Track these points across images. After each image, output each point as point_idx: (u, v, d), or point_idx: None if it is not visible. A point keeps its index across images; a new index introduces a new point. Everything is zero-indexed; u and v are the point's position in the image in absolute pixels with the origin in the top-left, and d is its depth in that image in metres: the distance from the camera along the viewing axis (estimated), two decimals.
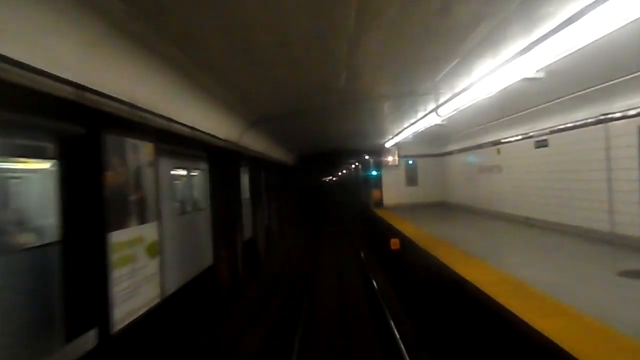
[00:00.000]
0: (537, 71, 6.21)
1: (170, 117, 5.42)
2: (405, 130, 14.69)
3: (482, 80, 6.74)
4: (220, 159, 8.47)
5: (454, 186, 18.36)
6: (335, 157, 22.07)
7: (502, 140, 12.72)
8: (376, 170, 21.11)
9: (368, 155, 21.92)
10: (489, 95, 7.54)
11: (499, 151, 13.10)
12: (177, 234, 6.88)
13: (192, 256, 7.85)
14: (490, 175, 13.95)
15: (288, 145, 17.50)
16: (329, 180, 71.30)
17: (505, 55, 6.18)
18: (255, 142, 10.61)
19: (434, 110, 9.68)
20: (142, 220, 5.32)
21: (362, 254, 15.48)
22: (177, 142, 6.23)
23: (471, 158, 15.93)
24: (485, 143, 14.10)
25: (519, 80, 6.40)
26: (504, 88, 6.95)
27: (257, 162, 13.05)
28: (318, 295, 11.04)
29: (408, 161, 19.98)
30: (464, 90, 7.49)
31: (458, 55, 6.99)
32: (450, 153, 18.35)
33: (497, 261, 7.07)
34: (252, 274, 12.29)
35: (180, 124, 5.72)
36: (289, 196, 20.01)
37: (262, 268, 13.49)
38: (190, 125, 6.12)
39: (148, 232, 5.43)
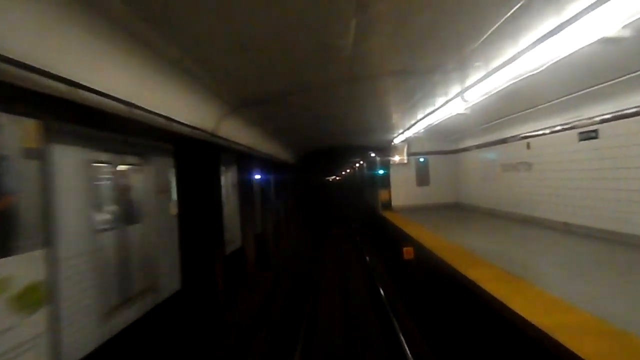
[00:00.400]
0: (623, 27, 4.44)
1: (80, 81, 3.46)
2: (418, 122, 12.90)
3: (537, 46, 4.96)
4: (189, 153, 6.75)
5: (470, 186, 16.54)
6: (338, 154, 20.30)
7: (534, 133, 10.90)
8: (384, 169, 19.29)
9: (374, 152, 20.13)
10: (538, 70, 5.74)
11: (528, 145, 11.28)
12: (98, 262, 4.99)
13: (132, 290, 5.82)
14: (517, 174, 12.13)
15: (286, 141, 15.76)
16: (333, 179, 69.57)
17: (575, 8, 4.42)
18: (241, 134, 8.93)
19: (460, 94, 7.89)
20: (5, 249, 3.42)
21: (370, 264, 13.70)
22: (103, 124, 4.41)
23: (491, 155, 14.12)
24: (511, 137, 12.29)
25: (592, 43, 4.62)
26: (556, 61, 5.19)
27: (246, 159, 11.31)
28: (319, 326, 8.99)
29: (419, 159, 18.17)
30: (507, 62, 5.70)
31: (501, 15, 5.21)
32: (465, 149, 16.53)
33: (563, 289, 5.22)
34: (239, 297, 10.54)
35: (104, 94, 3.78)
36: (289, 197, 18.32)
37: (251, 291, 11.53)
38: (127, 100, 4.17)
39: (18, 269, 3.56)
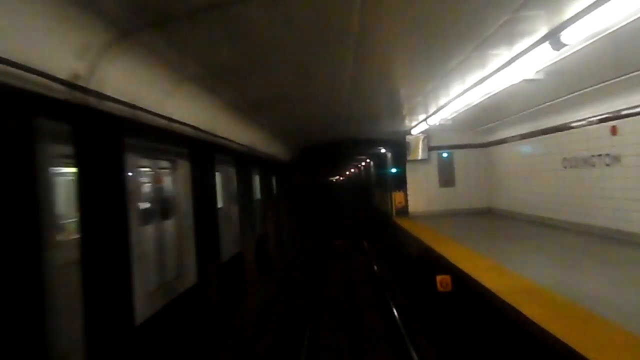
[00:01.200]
0: None
1: None
2: (446, 106, 9.61)
3: None
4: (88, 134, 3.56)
5: (508, 187, 13.18)
6: (343, 150, 16.97)
7: (629, 111, 7.53)
8: (398, 168, 15.96)
9: (386, 147, 16.77)
10: None
11: (615, 130, 7.92)
12: None
13: None
14: (590, 170, 8.79)
15: (279, 134, 12.46)
16: (336, 180, 66.03)
17: None
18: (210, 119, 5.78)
19: (547, 38, 4.59)
20: None
21: (388, 291, 10.34)
22: None
23: (541, 147, 10.80)
24: (581, 120, 8.93)
25: None
26: None
27: (208, 152, 8.01)
28: None
29: (441, 154, 14.82)
30: None
31: None
32: (502, 141, 13.18)
33: None
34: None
35: None
36: (281, 203, 15.02)
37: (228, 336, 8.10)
38: None
39: None
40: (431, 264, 8.82)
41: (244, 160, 10.10)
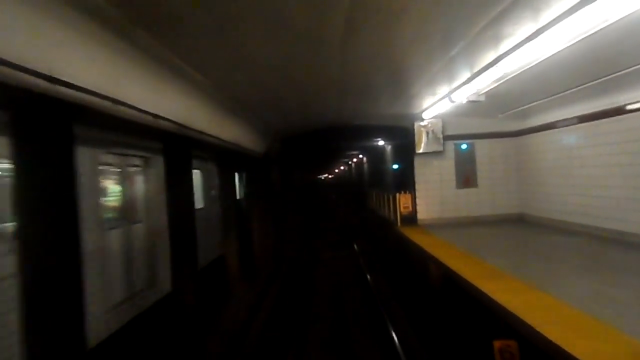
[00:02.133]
0: None
1: None
2: (484, 73, 6.42)
3: None
4: None
5: (550, 188, 10.03)
6: (333, 141, 13.60)
7: None
8: (402, 163, 12.72)
9: (387, 136, 13.49)
10: None
11: None
12: None
13: None
14: None
15: (245, 116, 9.09)
16: (325, 178, 62.71)
17: None
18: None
19: None
20: None
21: None
22: None
23: (606, 134, 7.69)
24: None
25: None
26: None
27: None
28: None
29: (459, 145, 11.60)
30: None
31: None
32: (542, 128, 10.04)
33: None
34: None
35: None
36: (252, 209, 11.56)
37: None
38: None
39: None
40: (475, 311, 5.58)
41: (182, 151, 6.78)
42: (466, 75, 7.12)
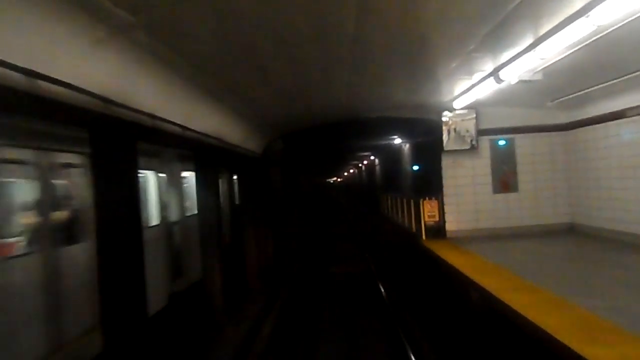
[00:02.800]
0: None
1: None
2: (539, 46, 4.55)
3: None
4: None
5: (610, 193, 8.05)
6: (344, 138, 11.67)
7: None
8: (423, 162, 10.79)
9: (408, 131, 11.57)
10: None
11: None
12: None
13: None
14: None
15: (236, 103, 7.24)
16: (334, 181, 60.81)
17: None
18: None
19: None
20: None
21: None
22: None
23: None
24: None
25: None
26: None
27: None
28: None
29: (496, 142, 9.61)
30: None
31: None
32: (599, 120, 8.11)
33: None
34: None
35: None
36: (246, 219, 9.60)
37: None
38: None
39: None
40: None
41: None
42: (527, 40, 5.20)
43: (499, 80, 6.43)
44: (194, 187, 6.29)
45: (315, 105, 9.05)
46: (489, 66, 6.51)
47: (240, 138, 7.89)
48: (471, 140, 9.43)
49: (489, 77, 6.67)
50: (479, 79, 6.97)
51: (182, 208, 5.57)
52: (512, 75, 6.22)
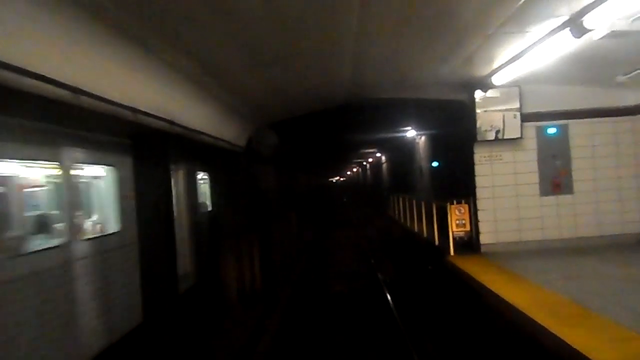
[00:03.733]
0: None
1: None
2: None
3: None
4: None
5: None
6: (348, 127, 9.54)
7: None
8: (447, 157, 8.72)
9: (425, 117, 9.47)
10: None
11: None
12: None
13: None
14: None
15: (204, 77, 5.18)
16: (337, 181, 58.67)
17: None
18: None
19: None
20: None
21: None
22: None
23: None
24: None
25: None
26: None
27: None
28: None
29: (545, 129, 7.49)
30: None
31: None
32: None
33: None
34: None
35: None
36: (226, 224, 7.42)
37: None
38: None
39: None
40: None
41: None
42: None
43: (581, 30, 4.31)
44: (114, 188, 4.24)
45: (310, 82, 6.94)
46: (563, 9, 4.41)
47: (207, 122, 5.79)
48: (513, 128, 7.30)
49: (561, 28, 4.56)
50: (546, 32, 4.84)
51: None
52: (606, 20, 4.12)
